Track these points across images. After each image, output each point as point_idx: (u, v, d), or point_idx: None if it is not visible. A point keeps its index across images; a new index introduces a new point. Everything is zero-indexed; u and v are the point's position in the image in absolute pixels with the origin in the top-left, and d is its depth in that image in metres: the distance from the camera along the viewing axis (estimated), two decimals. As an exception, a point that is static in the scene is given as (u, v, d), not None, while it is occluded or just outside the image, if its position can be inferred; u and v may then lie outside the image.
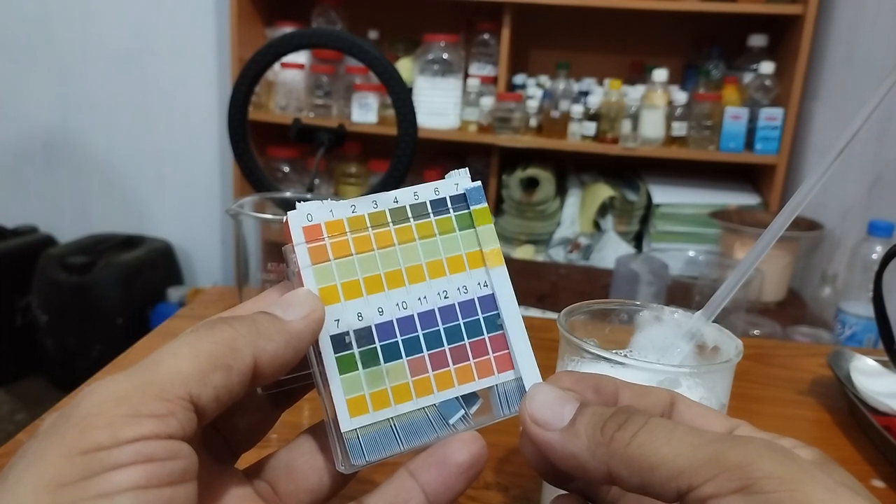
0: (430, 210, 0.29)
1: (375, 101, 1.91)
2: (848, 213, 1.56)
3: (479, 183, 0.30)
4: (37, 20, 2.25)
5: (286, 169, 2.04)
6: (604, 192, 1.86)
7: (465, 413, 0.28)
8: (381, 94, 1.91)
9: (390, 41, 2.07)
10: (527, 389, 0.28)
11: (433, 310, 0.28)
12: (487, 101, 1.90)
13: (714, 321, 0.38)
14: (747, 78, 1.85)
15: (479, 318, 0.29)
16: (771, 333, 1.35)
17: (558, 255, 1.88)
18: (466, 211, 0.29)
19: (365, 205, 0.28)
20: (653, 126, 1.81)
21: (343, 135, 0.83)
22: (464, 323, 0.28)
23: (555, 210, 1.92)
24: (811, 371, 0.66)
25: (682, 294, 1.29)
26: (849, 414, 0.58)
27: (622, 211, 1.88)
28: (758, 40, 1.86)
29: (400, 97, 0.75)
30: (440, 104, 1.88)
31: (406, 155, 0.76)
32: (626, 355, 0.39)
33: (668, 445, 0.22)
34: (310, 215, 0.27)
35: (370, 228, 0.28)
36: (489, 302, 0.29)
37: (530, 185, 1.90)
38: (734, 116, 1.78)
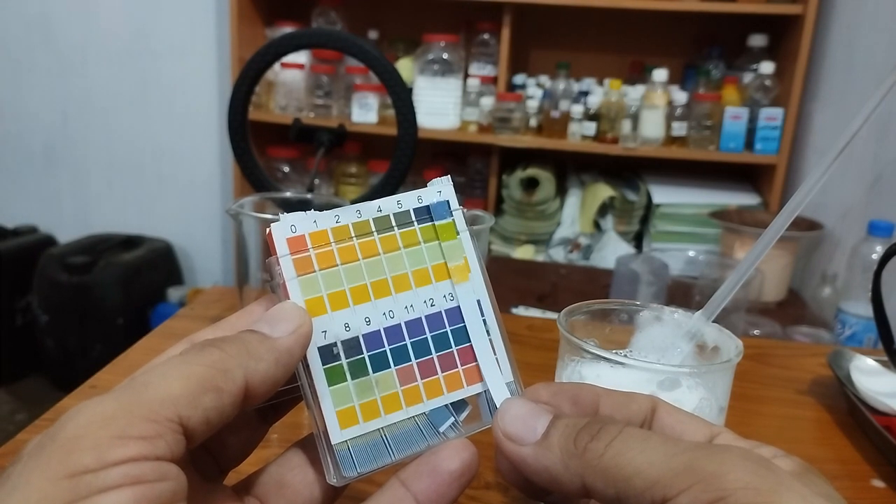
0: (413, 219, 0.29)
1: (375, 101, 1.91)
2: (848, 213, 1.56)
3: (446, 197, 0.29)
4: (37, 20, 2.25)
5: (286, 169, 2.04)
6: (604, 192, 1.86)
7: (455, 420, 0.27)
8: (381, 94, 1.91)
9: (390, 41, 2.07)
10: (496, 403, 0.28)
11: (420, 318, 0.28)
12: (487, 101, 1.90)
13: (714, 321, 0.38)
14: (747, 78, 1.85)
15: (465, 326, 0.29)
16: (771, 333, 1.35)
17: (558, 255, 1.88)
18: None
19: (349, 214, 0.27)
20: (653, 126, 1.81)
21: (343, 135, 0.83)
22: (451, 330, 0.28)
23: (555, 210, 1.92)
24: (811, 371, 0.66)
25: (682, 294, 1.29)
26: (849, 414, 0.58)
27: (622, 211, 1.88)
28: (758, 40, 1.86)
29: (400, 97, 0.75)
30: (440, 104, 1.88)
31: (406, 155, 0.76)
32: (626, 355, 0.39)
33: (642, 455, 0.22)
34: (293, 226, 0.27)
35: (354, 238, 0.27)
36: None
37: (530, 185, 1.90)
38: (734, 116, 1.78)
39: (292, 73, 1.96)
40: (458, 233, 0.29)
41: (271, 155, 2.03)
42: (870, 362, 0.60)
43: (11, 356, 2.16)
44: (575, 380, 0.38)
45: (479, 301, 0.29)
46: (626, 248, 1.81)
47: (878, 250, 1.33)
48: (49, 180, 2.38)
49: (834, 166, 0.35)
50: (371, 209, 0.28)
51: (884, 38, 1.50)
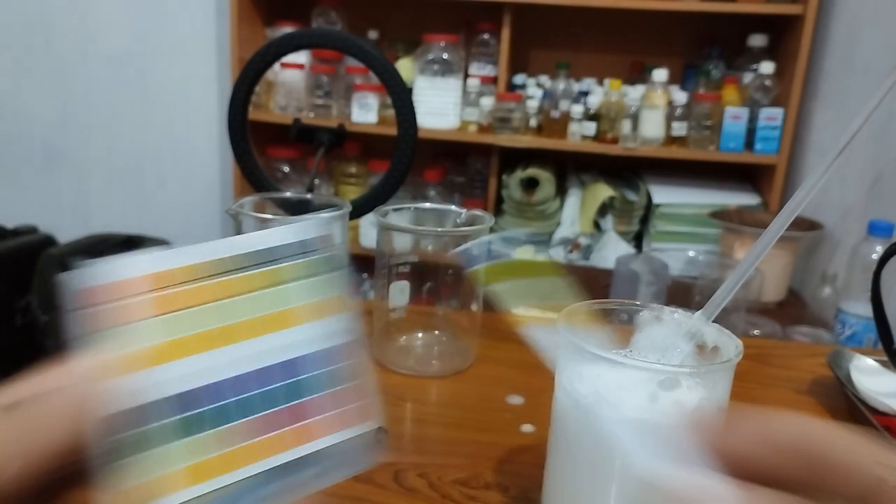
0: (277, 257, 0.26)
1: (375, 101, 1.91)
2: (848, 213, 1.56)
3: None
4: (37, 20, 2.25)
5: (286, 169, 2.04)
6: (604, 192, 1.86)
7: (305, 474, 0.25)
8: (381, 94, 1.91)
9: (390, 41, 2.07)
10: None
11: (271, 366, 0.25)
12: (487, 101, 1.90)
13: (714, 321, 0.38)
14: (747, 78, 1.85)
15: (323, 372, 0.26)
16: (771, 333, 1.35)
17: (558, 255, 1.88)
18: (318, 257, 0.27)
19: (199, 253, 0.25)
20: (653, 126, 1.81)
21: (343, 135, 0.83)
22: (306, 378, 0.26)
23: (555, 210, 1.92)
24: (811, 371, 0.66)
25: (682, 294, 1.29)
26: (849, 414, 0.58)
27: (622, 211, 1.88)
28: (758, 40, 1.86)
29: (400, 97, 0.75)
30: (440, 104, 1.88)
31: (406, 155, 0.76)
32: (626, 355, 0.39)
33: None
34: (112, 271, 0.24)
35: (203, 279, 0.24)
36: (333, 354, 0.26)
37: (530, 185, 1.90)
38: (734, 116, 1.78)
39: (292, 73, 1.96)
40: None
41: (271, 155, 2.03)
42: (870, 362, 0.60)
43: (11, 356, 2.16)
44: (575, 380, 0.38)
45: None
46: (626, 248, 1.81)
47: (878, 250, 1.33)
48: (49, 180, 2.38)
49: (834, 166, 0.35)
50: (228, 246, 0.25)
51: (884, 38, 1.50)
